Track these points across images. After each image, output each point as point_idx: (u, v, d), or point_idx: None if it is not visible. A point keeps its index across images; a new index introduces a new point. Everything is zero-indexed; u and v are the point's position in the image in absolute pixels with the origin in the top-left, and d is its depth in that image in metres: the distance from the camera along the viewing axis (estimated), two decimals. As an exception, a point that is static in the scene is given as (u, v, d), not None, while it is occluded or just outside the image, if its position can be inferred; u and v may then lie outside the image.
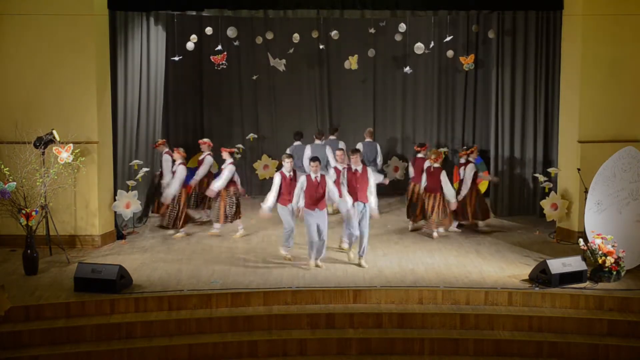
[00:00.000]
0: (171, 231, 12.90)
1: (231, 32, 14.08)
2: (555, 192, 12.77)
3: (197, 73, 16.03)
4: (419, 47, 13.97)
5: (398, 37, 14.41)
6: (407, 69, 14.79)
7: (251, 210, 14.36)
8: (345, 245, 11.80)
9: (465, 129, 16.03)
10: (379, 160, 14.64)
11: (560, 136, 12.92)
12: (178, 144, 15.95)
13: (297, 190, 11.05)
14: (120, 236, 12.67)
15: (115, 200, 12.43)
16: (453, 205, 12.56)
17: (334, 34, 13.96)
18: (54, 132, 11.54)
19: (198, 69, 15.94)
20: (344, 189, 11.13)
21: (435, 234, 12.73)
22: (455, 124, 16.08)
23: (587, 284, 10.38)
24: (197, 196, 13.43)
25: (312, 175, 10.98)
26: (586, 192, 11.44)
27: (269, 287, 10.30)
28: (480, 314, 9.90)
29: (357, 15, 13.51)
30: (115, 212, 12.55)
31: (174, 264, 11.31)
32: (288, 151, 14.03)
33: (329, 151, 14.14)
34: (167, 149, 13.42)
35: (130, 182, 12.64)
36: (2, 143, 11.92)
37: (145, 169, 13.08)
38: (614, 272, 10.43)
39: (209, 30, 13.81)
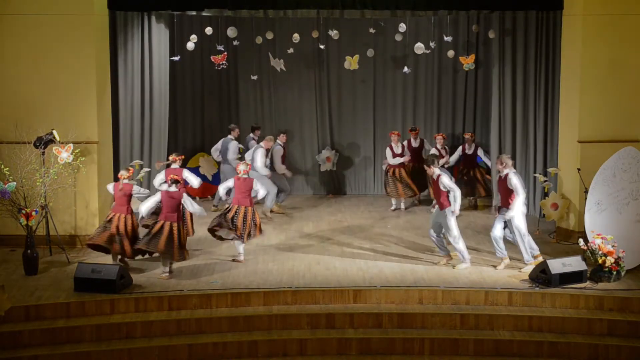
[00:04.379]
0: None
1: (231, 32, 14.07)
2: (555, 192, 12.78)
3: (197, 73, 16.03)
4: (419, 47, 13.96)
5: (398, 37, 14.40)
6: (406, 69, 14.78)
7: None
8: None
9: (466, 129, 16.03)
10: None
11: (560, 136, 12.92)
12: (177, 144, 16.03)
13: None
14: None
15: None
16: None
17: (334, 34, 13.95)
18: (54, 132, 11.55)
19: (198, 69, 15.94)
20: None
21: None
22: (455, 123, 16.07)
23: (587, 284, 10.38)
24: None
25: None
26: (586, 192, 11.45)
27: (269, 287, 10.30)
28: (480, 314, 9.90)
29: (357, 15, 13.51)
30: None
31: (173, 264, 11.30)
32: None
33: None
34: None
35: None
36: (2, 143, 11.93)
37: (145, 169, 13.08)
38: (614, 272, 10.43)
39: (209, 30, 13.80)
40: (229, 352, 9.51)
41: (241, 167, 11.50)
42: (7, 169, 11.16)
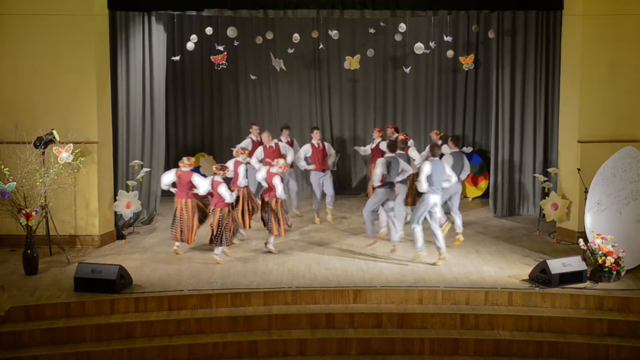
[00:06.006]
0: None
1: (231, 32, 14.08)
2: (555, 192, 12.78)
3: (197, 73, 16.03)
4: (419, 47, 13.96)
5: (398, 37, 14.40)
6: (407, 69, 14.76)
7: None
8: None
9: (466, 129, 16.04)
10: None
11: (560, 136, 12.92)
12: (177, 143, 16.04)
13: None
14: (120, 236, 12.67)
15: (115, 200, 12.44)
16: None
17: (334, 34, 13.95)
18: (54, 132, 11.55)
19: (198, 69, 15.94)
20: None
21: None
22: (455, 123, 16.08)
23: (587, 284, 10.39)
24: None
25: None
26: (586, 192, 11.45)
27: (269, 287, 10.30)
28: (480, 314, 9.90)
29: (357, 15, 13.51)
30: (115, 212, 12.55)
31: (174, 264, 11.32)
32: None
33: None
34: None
35: (131, 182, 12.64)
36: (2, 143, 11.93)
37: (145, 169, 13.08)
38: (614, 272, 10.43)
39: (209, 30, 13.79)
40: (229, 352, 9.51)
41: (279, 161, 11.94)
42: (7, 169, 11.16)
